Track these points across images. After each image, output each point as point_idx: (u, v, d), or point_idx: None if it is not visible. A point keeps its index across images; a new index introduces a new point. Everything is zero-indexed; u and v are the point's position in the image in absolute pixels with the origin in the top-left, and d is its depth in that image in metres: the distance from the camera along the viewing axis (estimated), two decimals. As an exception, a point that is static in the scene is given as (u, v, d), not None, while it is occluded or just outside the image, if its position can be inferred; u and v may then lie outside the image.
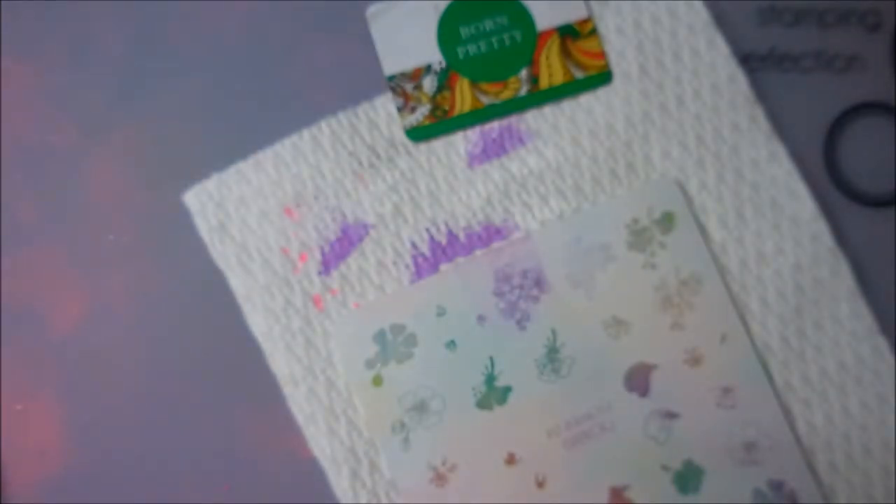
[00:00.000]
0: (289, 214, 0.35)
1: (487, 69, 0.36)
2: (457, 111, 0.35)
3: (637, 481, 0.34)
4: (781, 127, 0.36)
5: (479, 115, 0.35)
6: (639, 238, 0.35)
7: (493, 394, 0.34)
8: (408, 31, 0.36)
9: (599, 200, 0.36)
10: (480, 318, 0.35)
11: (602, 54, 0.36)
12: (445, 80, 0.36)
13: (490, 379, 0.35)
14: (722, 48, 0.36)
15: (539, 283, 0.35)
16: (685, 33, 0.36)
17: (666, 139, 0.36)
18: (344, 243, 0.35)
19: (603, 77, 0.36)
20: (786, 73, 0.36)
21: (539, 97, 0.36)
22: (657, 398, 0.34)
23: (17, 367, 0.35)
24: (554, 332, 0.35)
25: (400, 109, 0.36)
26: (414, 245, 0.35)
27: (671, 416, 0.34)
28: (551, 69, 0.36)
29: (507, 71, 0.36)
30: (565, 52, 0.36)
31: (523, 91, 0.36)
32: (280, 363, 0.35)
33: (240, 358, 0.35)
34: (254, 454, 0.35)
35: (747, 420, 0.34)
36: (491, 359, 0.35)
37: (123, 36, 0.37)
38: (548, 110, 0.36)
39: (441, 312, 0.35)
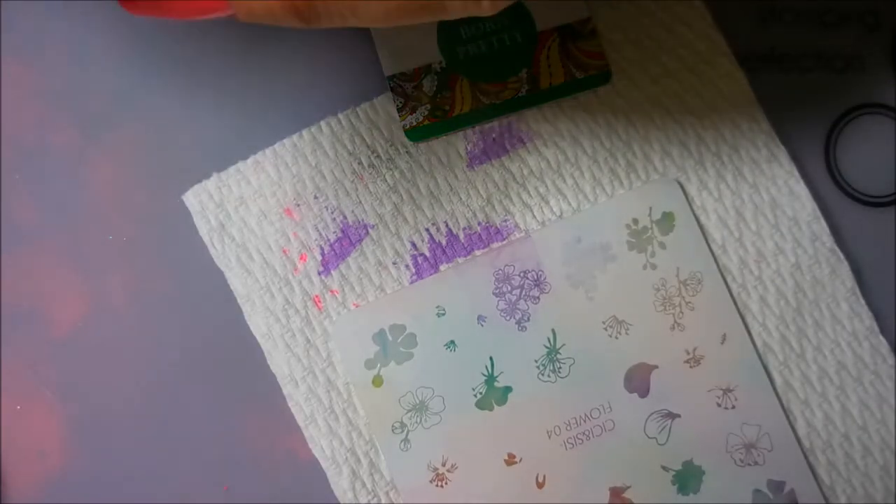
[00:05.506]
0: (289, 214, 0.35)
1: (487, 69, 0.36)
2: (457, 111, 0.35)
3: (637, 481, 0.34)
4: (781, 127, 0.36)
5: (479, 115, 0.35)
6: (639, 238, 0.35)
7: (493, 394, 0.34)
8: (408, 31, 0.36)
9: (599, 200, 0.36)
10: (480, 318, 0.35)
11: (602, 54, 0.36)
12: (445, 80, 0.36)
13: (490, 379, 0.35)
14: (722, 48, 0.36)
15: (539, 283, 0.35)
16: (685, 33, 0.36)
17: (666, 139, 0.36)
18: (344, 243, 0.35)
19: (603, 77, 0.36)
20: (786, 73, 0.36)
21: (539, 97, 0.36)
22: (657, 398, 0.34)
23: (17, 367, 0.35)
24: (554, 332, 0.35)
25: (400, 109, 0.36)
26: (414, 245, 0.35)
27: (671, 416, 0.34)
28: (551, 69, 0.36)
29: (507, 71, 0.36)
30: (565, 52, 0.36)
31: (523, 91, 0.36)
32: (280, 363, 0.35)
33: (240, 358, 0.35)
34: (254, 454, 0.35)
35: (747, 420, 0.34)
36: (491, 359, 0.35)
37: (123, 36, 0.37)
38: (548, 110, 0.36)
39: (441, 312, 0.35)
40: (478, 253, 0.35)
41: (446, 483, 0.34)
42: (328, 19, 0.27)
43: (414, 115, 0.35)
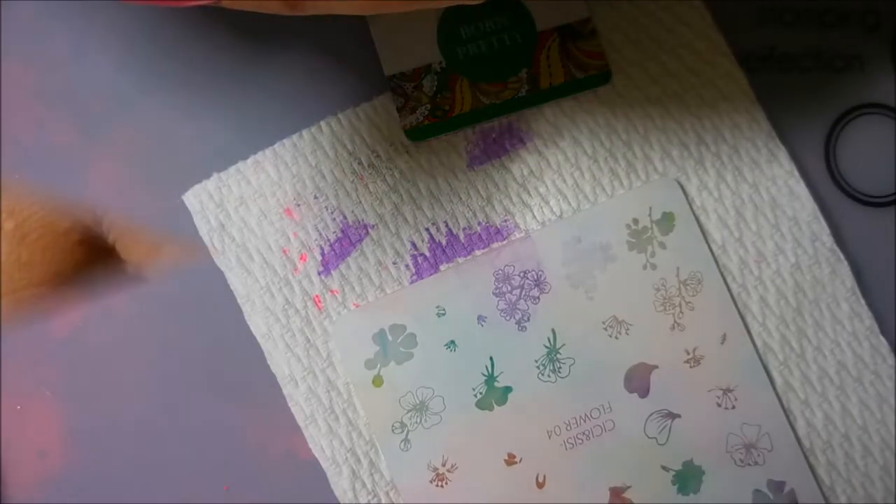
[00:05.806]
0: (289, 214, 0.35)
1: (487, 69, 0.36)
2: (457, 111, 0.35)
3: (637, 481, 0.34)
4: (781, 127, 0.36)
5: (479, 115, 0.35)
6: (639, 238, 0.35)
7: (493, 394, 0.34)
8: (408, 31, 0.36)
9: (599, 200, 0.36)
10: (480, 318, 0.35)
11: (602, 54, 0.36)
12: (445, 80, 0.36)
13: (490, 379, 0.35)
14: (722, 48, 0.36)
15: (539, 283, 0.35)
16: (685, 33, 0.36)
17: (666, 139, 0.36)
18: (344, 243, 0.35)
19: (603, 77, 0.36)
20: (786, 73, 0.36)
21: (539, 97, 0.36)
22: (657, 398, 0.34)
23: (17, 367, 0.35)
24: (554, 332, 0.35)
25: (400, 109, 0.36)
26: (414, 245, 0.35)
27: (671, 416, 0.34)
28: (551, 69, 0.36)
29: (507, 71, 0.36)
30: (565, 52, 0.36)
31: (523, 91, 0.36)
32: (280, 363, 0.35)
33: (240, 358, 0.35)
34: (254, 454, 0.35)
35: (747, 420, 0.34)
36: (491, 359, 0.35)
37: (123, 36, 0.37)
38: (548, 110, 0.36)
39: (441, 312, 0.35)
40: (478, 253, 0.35)
41: (446, 483, 0.34)
42: (312, 6, 0.26)
43: (414, 115, 0.35)
